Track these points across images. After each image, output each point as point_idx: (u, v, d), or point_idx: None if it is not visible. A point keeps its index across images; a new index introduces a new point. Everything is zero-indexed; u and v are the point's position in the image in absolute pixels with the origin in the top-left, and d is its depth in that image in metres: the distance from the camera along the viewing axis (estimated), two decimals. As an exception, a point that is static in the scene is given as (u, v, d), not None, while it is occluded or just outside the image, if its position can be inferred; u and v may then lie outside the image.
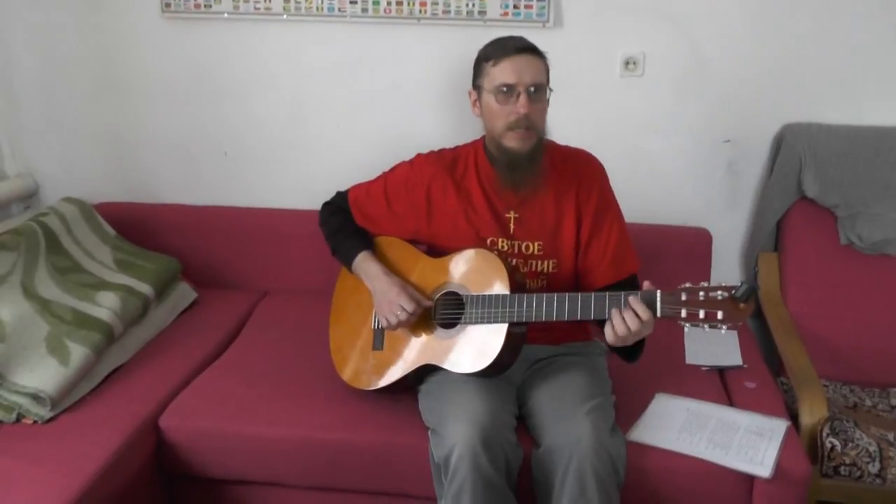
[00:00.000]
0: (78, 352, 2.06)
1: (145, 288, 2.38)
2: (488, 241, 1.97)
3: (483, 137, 2.02)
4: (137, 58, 2.69)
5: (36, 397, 1.95)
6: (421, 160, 2.06)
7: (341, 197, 2.16)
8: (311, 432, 1.97)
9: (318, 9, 2.56)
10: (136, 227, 2.67)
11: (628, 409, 1.99)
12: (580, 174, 1.99)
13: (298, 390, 2.10)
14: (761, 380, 2.20)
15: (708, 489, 1.87)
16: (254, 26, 2.61)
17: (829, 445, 1.99)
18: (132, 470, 1.92)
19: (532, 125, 1.87)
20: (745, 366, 2.26)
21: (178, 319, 2.49)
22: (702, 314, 1.66)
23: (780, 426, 1.95)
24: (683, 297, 1.68)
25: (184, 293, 2.57)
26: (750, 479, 1.84)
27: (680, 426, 1.95)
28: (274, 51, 2.64)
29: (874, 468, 1.96)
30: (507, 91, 1.84)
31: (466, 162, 2.01)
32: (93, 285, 2.31)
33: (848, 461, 1.98)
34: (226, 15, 2.60)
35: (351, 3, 2.54)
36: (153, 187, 2.81)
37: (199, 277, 2.67)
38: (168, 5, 2.60)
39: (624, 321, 1.71)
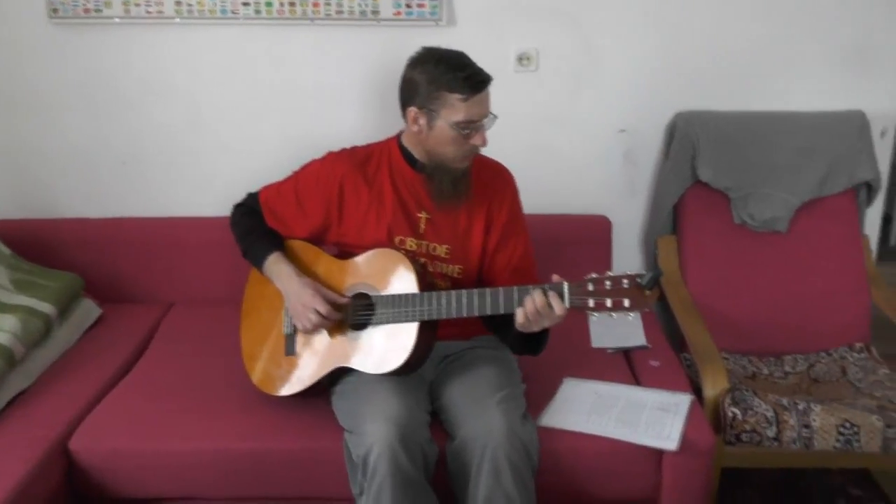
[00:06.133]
0: (-25, 380, 1.99)
1: (47, 307, 2.31)
2: (397, 240, 1.98)
3: (398, 137, 2.02)
4: (26, 67, 2.59)
5: (-68, 431, 1.88)
6: (332, 157, 2.05)
7: (252, 198, 2.13)
8: (226, 443, 1.95)
9: (210, 11, 2.52)
10: (34, 245, 2.58)
11: (538, 395, 2.04)
12: (494, 185, 2.03)
13: (211, 402, 2.08)
14: (665, 358, 2.29)
15: (619, 466, 1.94)
16: (146, 31, 2.55)
17: (730, 415, 2.07)
18: (42, 498, 1.85)
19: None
20: (650, 346, 2.34)
21: (83, 337, 2.42)
22: (609, 303, 1.70)
23: (684, 400, 2.03)
24: (590, 288, 1.72)
25: (88, 310, 2.49)
26: (658, 453, 1.92)
27: (589, 408, 2.01)
28: (168, 55, 2.59)
29: (772, 432, 2.06)
30: (469, 126, 1.85)
31: (379, 160, 2.02)
32: (-11, 309, 2.23)
33: (748, 428, 2.07)
34: (117, 20, 2.53)
35: (244, 4, 2.51)
36: (49, 202, 2.71)
37: (102, 293, 2.60)
38: (56, 11, 2.51)
39: (534, 302, 1.74)
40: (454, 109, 1.83)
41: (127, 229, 2.65)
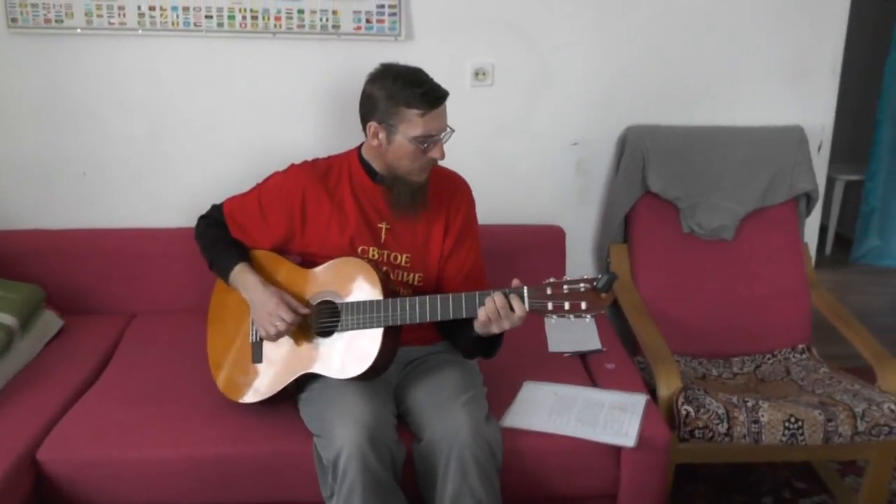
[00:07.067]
0: (-62, 392, 1.96)
1: (8, 319, 2.28)
2: (359, 250, 2.03)
3: (358, 149, 2.07)
4: (-17, 77, 2.57)
5: None
6: (295, 170, 2.09)
7: (216, 209, 2.15)
8: (196, 450, 1.96)
9: (173, 23, 2.54)
10: (-8, 256, 2.56)
11: (500, 398, 2.10)
12: (452, 195, 2.09)
13: (179, 409, 2.09)
14: (620, 360, 2.37)
15: (580, 463, 2.01)
16: (108, 42, 2.56)
17: (684, 413, 2.15)
18: (10, 508, 1.84)
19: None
20: (605, 349, 2.42)
21: (45, 349, 2.40)
22: (566, 306, 1.77)
23: (640, 400, 2.11)
24: (549, 292, 1.79)
25: (50, 321, 2.47)
26: (617, 450, 2.00)
27: (549, 409, 2.07)
28: (130, 66, 2.60)
29: (723, 428, 2.14)
30: (427, 140, 1.91)
31: (340, 172, 2.06)
32: (-52, 321, 2.20)
33: (701, 425, 2.14)
34: (79, 30, 2.53)
35: (206, 17, 2.54)
36: (8, 212, 2.68)
37: (63, 304, 2.58)
38: (15, 20, 2.50)
39: (495, 302, 1.80)
40: (412, 125, 1.89)
41: (87, 240, 2.64)
